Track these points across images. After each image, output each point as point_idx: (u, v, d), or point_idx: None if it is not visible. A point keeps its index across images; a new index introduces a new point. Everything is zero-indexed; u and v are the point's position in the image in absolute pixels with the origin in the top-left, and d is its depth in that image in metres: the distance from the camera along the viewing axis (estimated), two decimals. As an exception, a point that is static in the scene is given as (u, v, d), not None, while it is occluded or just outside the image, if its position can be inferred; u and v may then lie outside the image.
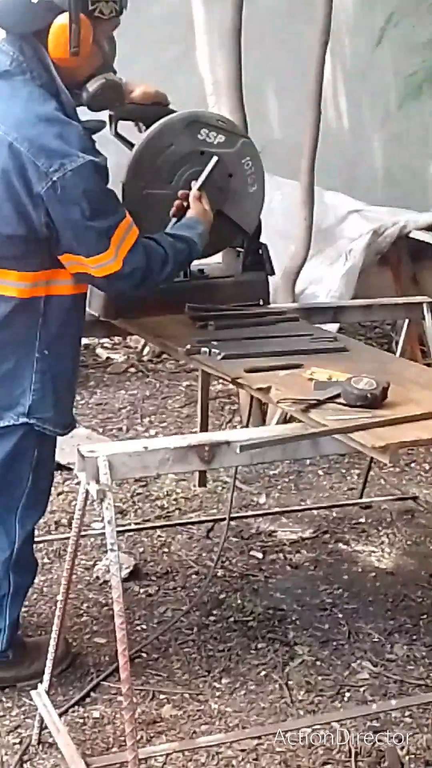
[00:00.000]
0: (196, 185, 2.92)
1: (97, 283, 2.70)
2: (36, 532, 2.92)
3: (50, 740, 2.62)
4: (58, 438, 2.85)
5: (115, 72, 2.72)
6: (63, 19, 2.45)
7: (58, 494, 3.96)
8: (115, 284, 2.67)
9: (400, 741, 2.70)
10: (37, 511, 2.85)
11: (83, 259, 2.54)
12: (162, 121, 2.93)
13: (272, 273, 3.24)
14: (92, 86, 2.60)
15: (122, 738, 2.47)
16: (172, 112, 2.98)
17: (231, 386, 2.90)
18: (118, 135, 2.98)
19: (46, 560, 3.44)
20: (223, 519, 3.74)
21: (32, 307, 2.60)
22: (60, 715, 2.65)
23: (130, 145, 2.96)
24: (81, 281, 2.67)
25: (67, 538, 2.56)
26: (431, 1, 5.68)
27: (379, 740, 2.70)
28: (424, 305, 3.38)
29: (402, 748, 2.68)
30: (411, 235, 4.71)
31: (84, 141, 2.49)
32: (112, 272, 2.57)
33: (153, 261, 2.67)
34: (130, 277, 2.63)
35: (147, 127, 2.95)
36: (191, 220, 2.86)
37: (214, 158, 2.92)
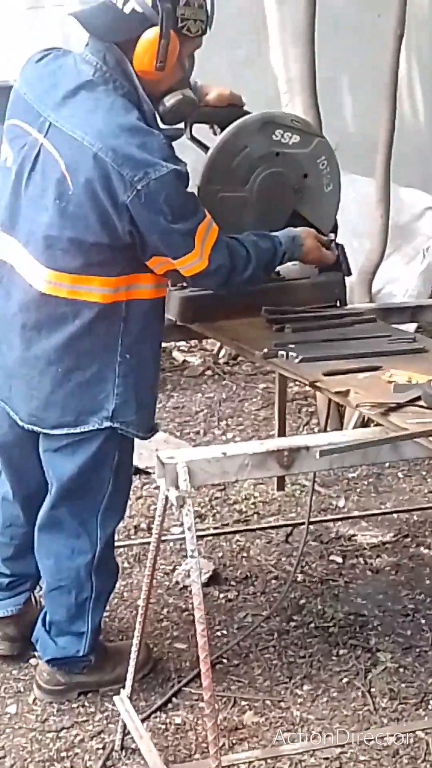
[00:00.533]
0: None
1: (188, 281, 2.79)
2: (116, 537, 2.94)
3: (133, 746, 2.65)
4: (136, 442, 2.89)
5: (191, 86, 2.75)
6: (152, 34, 2.49)
7: (137, 498, 3.99)
8: (202, 281, 2.76)
9: None
10: (117, 514, 2.88)
11: (171, 261, 2.60)
12: (236, 123, 2.94)
13: (349, 273, 3.22)
14: (169, 101, 2.63)
15: (204, 745, 2.49)
16: (247, 113, 2.99)
17: (307, 388, 2.89)
18: (193, 138, 3.00)
19: (126, 565, 3.47)
20: (302, 523, 3.73)
21: (115, 312, 2.63)
22: (142, 721, 2.68)
23: (205, 148, 2.98)
24: (173, 279, 2.80)
25: (147, 542, 2.58)
26: None
27: None
28: None
29: None
30: None
31: (165, 150, 2.52)
32: (199, 271, 2.65)
33: (236, 259, 2.73)
34: (216, 274, 2.71)
35: (222, 130, 2.97)
36: (297, 237, 2.92)
37: None
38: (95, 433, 2.69)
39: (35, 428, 2.72)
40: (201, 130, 3.00)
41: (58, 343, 2.63)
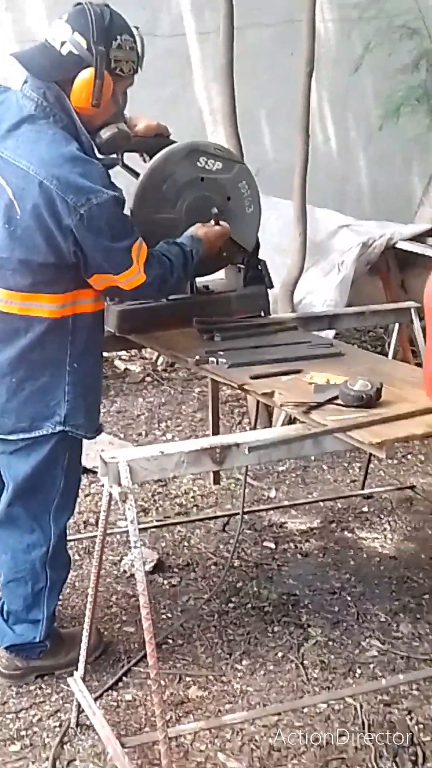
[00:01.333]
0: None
1: (126, 295, 2.76)
2: (67, 531, 2.92)
3: (87, 723, 2.65)
4: (84, 443, 2.87)
5: (125, 120, 2.76)
6: (87, 74, 2.51)
7: (86, 496, 3.98)
8: (141, 292, 2.75)
9: (409, 713, 2.73)
10: (68, 510, 2.87)
11: (113, 277, 2.62)
12: (164, 151, 2.95)
13: (271, 286, 3.24)
14: (105, 134, 2.64)
15: (153, 719, 2.48)
16: (173, 142, 3.00)
17: (239, 391, 2.92)
18: (124, 165, 2.99)
19: (76, 557, 3.45)
20: (237, 513, 3.73)
21: (62, 326, 2.63)
22: (95, 699, 2.68)
23: (136, 174, 2.98)
24: (110, 295, 2.78)
25: (95, 536, 2.57)
26: (403, 31, 5.71)
27: (389, 712, 2.73)
28: (412, 310, 3.39)
29: (411, 719, 2.70)
30: (397, 245, 4.71)
31: (104, 177, 2.54)
32: (139, 284, 2.66)
33: (164, 267, 2.75)
34: (152, 285, 2.71)
35: (150, 158, 2.97)
36: (194, 238, 2.90)
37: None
38: (48, 437, 2.69)
39: None
40: (131, 158, 2.99)
41: (12, 355, 2.63)
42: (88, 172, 2.49)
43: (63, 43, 2.55)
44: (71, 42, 2.54)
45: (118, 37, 2.57)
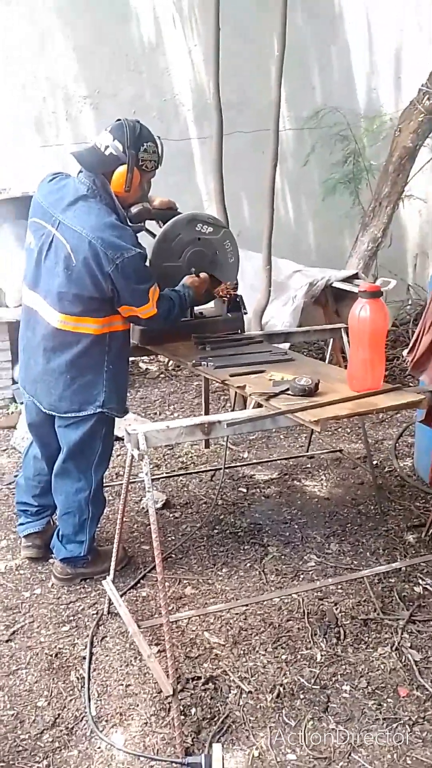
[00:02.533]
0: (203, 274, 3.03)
1: (142, 323, 2.77)
2: (104, 480, 2.94)
3: (115, 611, 2.68)
4: (116, 420, 2.90)
5: (145, 199, 2.81)
6: (122, 169, 2.61)
7: (117, 456, 3.99)
8: (153, 321, 2.75)
9: (335, 605, 2.76)
10: (104, 466, 2.89)
11: (135, 309, 2.66)
12: (173, 220, 2.96)
13: (246, 312, 3.25)
14: (134, 210, 2.71)
15: (160, 609, 2.50)
16: (179, 213, 3.00)
17: (222, 385, 2.93)
18: (146, 230, 3.01)
19: (110, 498, 3.45)
20: (221, 468, 3.75)
21: (102, 341, 2.68)
22: (121, 596, 2.71)
23: (154, 235, 2.99)
24: (131, 322, 2.77)
25: (122, 483, 2.58)
26: (337, 138, 5.74)
27: (322, 604, 2.76)
28: (342, 329, 3.40)
29: (336, 609, 2.73)
30: (333, 284, 4.72)
31: (133, 239, 2.60)
32: (151, 315, 2.71)
33: (168, 305, 2.79)
34: (160, 317, 2.74)
35: (164, 224, 2.98)
36: (185, 286, 2.94)
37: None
38: (91, 415, 2.71)
39: (53, 413, 2.73)
40: (150, 224, 3.00)
41: (67, 360, 2.66)
42: (122, 235, 2.55)
43: (106, 147, 2.61)
44: (112, 146, 2.60)
45: (145, 144, 2.63)
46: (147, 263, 2.73)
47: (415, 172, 5.27)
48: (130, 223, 2.70)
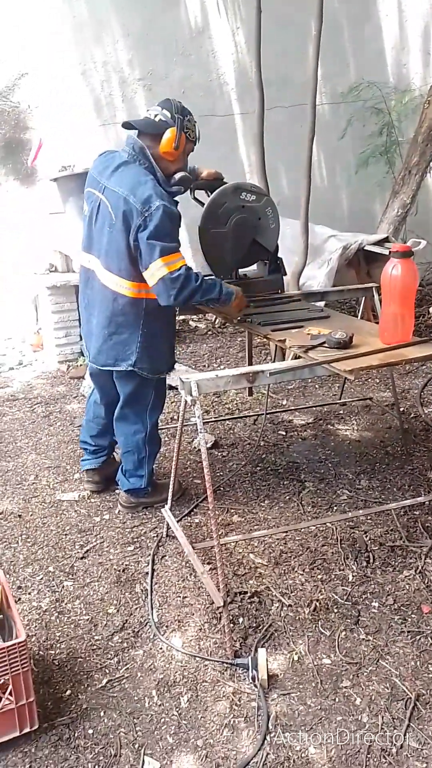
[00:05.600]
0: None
1: (153, 290, 2.50)
2: (159, 423, 2.96)
3: (172, 535, 2.72)
4: (185, 375, 2.82)
5: (190, 169, 2.74)
6: (170, 132, 2.53)
7: (171, 402, 4.02)
8: (157, 289, 2.47)
9: (365, 533, 2.75)
10: (158, 411, 2.89)
11: (145, 272, 2.48)
12: (219, 189, 2.90)
13: (285, 274, 3.19)
14: (178, 176, 2.62)
15: (211, 533, 2.54)
16: (225, 183, 2.94)
17: (265, 339, 2.91)
18: (195, 199, 2.96)
19: (166, 438, 3.50)
20: (262, 414, 3.76)
21: (137, 304, 2.61)
22: (177, 521, 2.75)
23: (202, 204, 2.94)
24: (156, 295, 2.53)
25: (177, 426, 2.61)
26: (372, 111, 5.51)
27: (353, 533, 2.76)
28: (374, 288, 3.32)
29: (366, 537, 2.73)
30: (366, 247, 4.60)
31: (163, 196, 2.47)
32: (156, 280, 2.45)
33: (189, 283, 2.47)
34: (169, 290, 2.45)
35: (211, 193, 2.92)
36: (233, 291, 2.67)
37: None
38: (130, 372, 2.70)
39: (94, 365, 2.75)
40: (200, 194, 2.95)
41: (107, 316, 2.64)
42: (154, 192, 2.45)
43: (156, 115, 2.56)
44: (161, 114, 2.55)
45: (189, 115, 2.58)
46: (177, 225, 2.50)
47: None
48: (172, 188, 2.61)
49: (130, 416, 2.84)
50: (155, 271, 2.44)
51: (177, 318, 3.17)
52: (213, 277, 2.74)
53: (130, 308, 2.59)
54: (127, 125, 2.61)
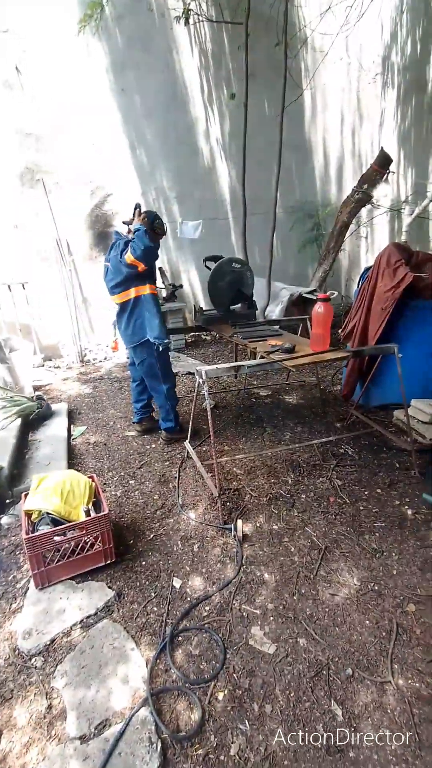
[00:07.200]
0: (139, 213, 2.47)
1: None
2: (178, 395, 2.89)
3: (190, 456, 2.65)
4: (198, 368, 2.76)
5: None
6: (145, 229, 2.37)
7: (191, 382, 3.95)
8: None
9: (299, 456, 2.68)
10: (170, 378, 2.64)
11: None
12: (219, 261, 2.83)
13: (257, 309, 3.13)
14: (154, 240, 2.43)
15: (211, 456, 2.50)
16: (222, 257, 2.87)
17: (245, 347, 2.85)
18: (206, 266, 2.89)
19: (184, 403, 3.42)
20: (242, 389, 3.70)
21: (141, 299, 2.45)
22: (193, 449, 2.68)
23: (209, 269, 2.87)
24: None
25: (192, 396, 2.55)
26: (307, 216, 5.35)
27: (292, 456, 2.68)
28: (307, 319, 3.25)
29: (299, 458, 2.66)
30: (303, 294, 4.52)
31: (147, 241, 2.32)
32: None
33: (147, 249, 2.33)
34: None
35: (215, 263, 2.85)
36: (140, 229, 2.41)
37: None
38: (148, 341, 2.51)
39: (127, 346, 2.58)
40: (209, 263, 2.87)
41: (129, 310, 2.48)
42: (144, 240, 2.31)
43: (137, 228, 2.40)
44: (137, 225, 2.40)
45: (158, 219, 2.43)
46: (149, 250, 2.32)
47: (347, 236, 4.93)
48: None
49: (156, 376, 2.59)
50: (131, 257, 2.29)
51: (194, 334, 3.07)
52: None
53: (138, 303, 2.41)
54: (124, 223, 2.49)
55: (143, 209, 2.54)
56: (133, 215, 2.48)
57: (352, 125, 5.63)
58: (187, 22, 4.24)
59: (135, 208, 2.49)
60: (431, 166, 6.20)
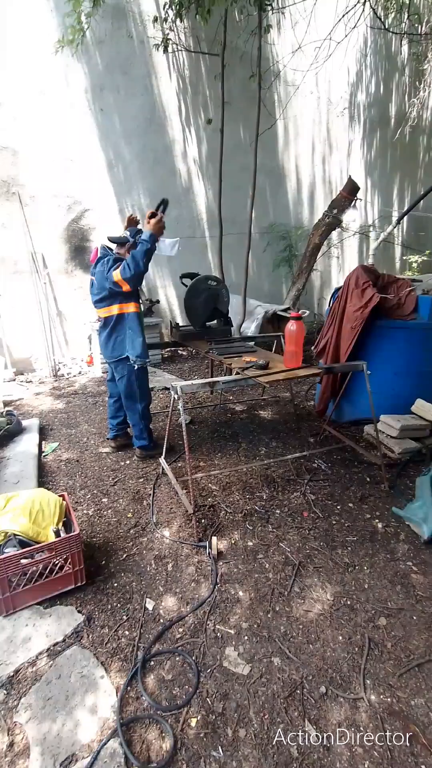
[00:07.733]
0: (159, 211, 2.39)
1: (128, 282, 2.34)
2: (154, 411, 2.88)
3: (164, 473, 2.62)
4: (172, 383, 2.72)
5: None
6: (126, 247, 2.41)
7: (165, 398, 3.94)
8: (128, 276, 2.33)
9: (273, 471, 2.68)
10: (146, 397, 2.66)
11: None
12: (196, 278, 2.87)
13: (232, 326, 3.17)
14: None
15: (186, 472, 2.48)
16: (198, 275, 2.92)
17: (220, 362, 2.88)
18: (183, 283, 2.92)
19: (159, 419, 3.39)
20: (218, 404, 3.70)
21: (124, 316, 2.48)
22: (168, 465, 2.65)
23: (186, 285, 2.91)
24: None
25: (168, 412, 2.53)
26: (280, 238, 5.54)
27: (267, 471, 2.68)
28: (281, 336, 3.31)
29: (274, 473, 2.66)
30: (277, 312, 4.63)
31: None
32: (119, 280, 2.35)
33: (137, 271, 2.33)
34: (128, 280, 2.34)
35: (191, 280, 2.89)
36: (146, 234, 2.37)
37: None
38: (125, 359, 2.53)
39: (106, 360, 2.58)
40: (185, 280, 2.91)
41: (110, 328, 2.49)
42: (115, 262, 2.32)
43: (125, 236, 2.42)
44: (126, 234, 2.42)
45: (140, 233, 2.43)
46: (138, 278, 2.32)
47: (318, 257, 5.12)
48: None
49: (127, 401, 2.63)
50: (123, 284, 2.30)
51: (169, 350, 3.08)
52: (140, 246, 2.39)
53: (120, 320, 2.44)
54: (110, 239, 2.50)
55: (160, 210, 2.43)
56: (157, 209, 2.34)
57: (322, 154, 5.91)
58: (165, 50, 4.40)
59: (160, 204, 2.34)
60: (395, 195, 6.58)
